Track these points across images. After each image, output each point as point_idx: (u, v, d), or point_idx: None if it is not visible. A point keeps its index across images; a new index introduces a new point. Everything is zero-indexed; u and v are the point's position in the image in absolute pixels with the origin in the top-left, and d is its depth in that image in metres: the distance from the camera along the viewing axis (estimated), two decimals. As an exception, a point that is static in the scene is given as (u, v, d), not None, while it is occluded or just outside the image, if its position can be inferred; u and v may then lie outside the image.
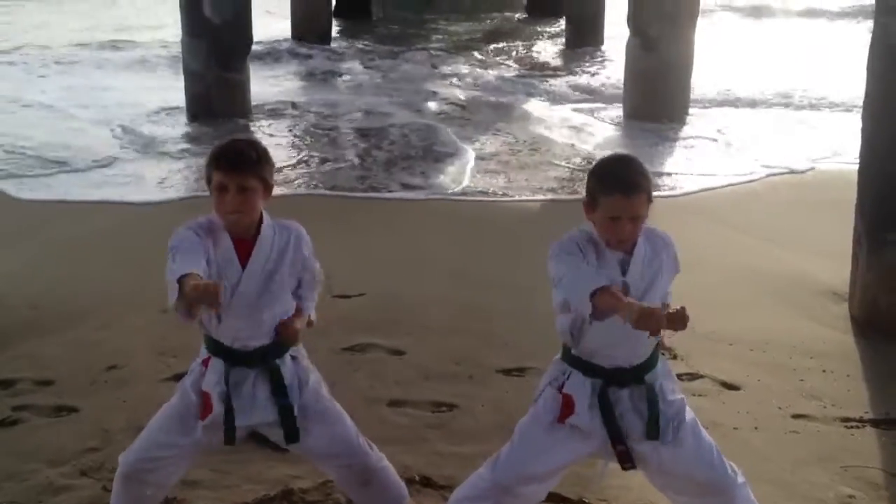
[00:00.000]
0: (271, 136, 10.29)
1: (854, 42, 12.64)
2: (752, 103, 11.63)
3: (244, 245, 2.94)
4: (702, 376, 4.67)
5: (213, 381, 2.98)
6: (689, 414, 2.98)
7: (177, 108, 11.04)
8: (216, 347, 3.01)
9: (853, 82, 10.92)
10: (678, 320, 2.54)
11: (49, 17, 19.40)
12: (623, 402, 2.92)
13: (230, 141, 3.02)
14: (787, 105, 11.50)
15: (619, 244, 2.87)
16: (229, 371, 2.98)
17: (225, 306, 2.84)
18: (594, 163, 3.07)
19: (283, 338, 2.98)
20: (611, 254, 2.87)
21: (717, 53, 13.45)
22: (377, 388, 4.52)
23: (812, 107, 11.47)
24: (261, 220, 2.97)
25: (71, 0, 21.70)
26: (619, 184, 2.83)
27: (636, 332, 2.63)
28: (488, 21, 21.10)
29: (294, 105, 12.03)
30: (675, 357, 4.78)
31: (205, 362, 3.03)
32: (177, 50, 11.55)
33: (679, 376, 4.48)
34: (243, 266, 2.93)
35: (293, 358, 3.06)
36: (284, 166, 8.88)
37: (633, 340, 2.83)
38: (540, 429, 2.97)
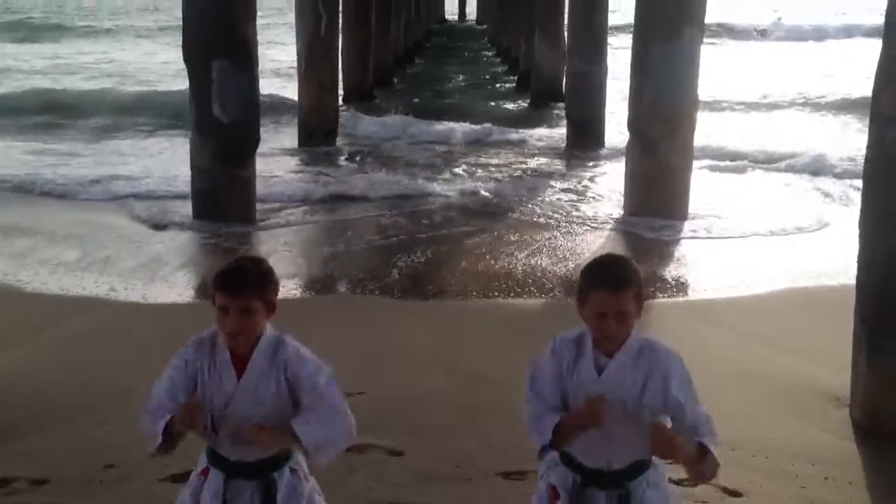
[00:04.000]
0: (273, 229, 10.53)
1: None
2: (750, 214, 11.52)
3: (241, 361, 2.98)
4: (703, 482, 4.63)
5: (210, 495, 2.98)
6: None
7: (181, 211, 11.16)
8: (215, 458, 3.02)
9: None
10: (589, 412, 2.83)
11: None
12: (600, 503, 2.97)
13: (234, 262, 3.03)
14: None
15: (607, 341, 2.95)
16: (227, 483, 2.99)
17: (218, 423, 2.93)
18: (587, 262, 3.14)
19: (248, 439, 2.91)
20: (590, 358, 2.97)
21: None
22: (376, 491, 4.50)
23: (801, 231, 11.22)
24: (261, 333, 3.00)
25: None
26: (604, 281, 2.92)
27: (611, 436, 2.85)
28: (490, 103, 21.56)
29: (299, 199, 12.22)
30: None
31: (203, 472, 3.03)
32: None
33: (680, 482, 4.46)
34: (239, 379, 2.96)
35: (292, 470, 3.06)
36: (286, 265, 8.96)
37: (609, 444, 2.93)
38: None
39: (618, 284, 2.90)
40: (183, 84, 11.70)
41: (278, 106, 19.00)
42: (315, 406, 2.95)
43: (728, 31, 41.27)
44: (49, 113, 19.58)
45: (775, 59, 32.89)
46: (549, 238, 10.34)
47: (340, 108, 17.97)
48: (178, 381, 2.97)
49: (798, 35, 43.12)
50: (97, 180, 13.10)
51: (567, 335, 3.05)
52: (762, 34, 43.63)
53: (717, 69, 21.87)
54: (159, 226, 10.71)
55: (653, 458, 3.02)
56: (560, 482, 3.02)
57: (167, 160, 14.66)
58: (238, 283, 2.91)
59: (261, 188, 11.39)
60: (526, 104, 22.55)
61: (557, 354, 3.00)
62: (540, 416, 2.97)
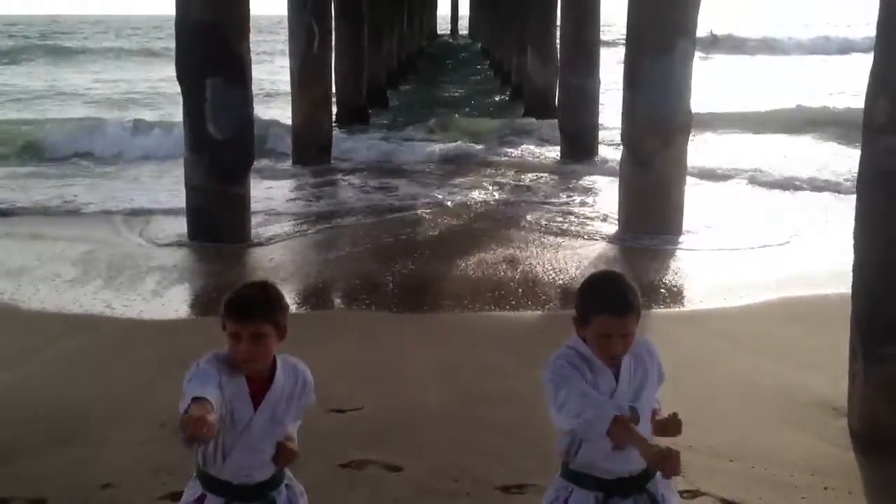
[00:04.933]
0: (268, 245, 10.54)
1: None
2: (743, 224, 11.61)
3: (257, 384, 2.97)
4: (703, 493, 4.62)
5: None
6: None
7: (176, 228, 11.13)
8: (214, 483, 2.99)
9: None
10: (672, 427, 2.87)
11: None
12: None
13: (242, 288, 3.01)
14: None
15: (611, 360, 2.95)
16: None
17: (230, 445, 2.91)
18: (584, 279, 3.12)
19: (282, 459, 2.97)
20: (602, 368, 2.95)
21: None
22: (375, 507, 4.48)
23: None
24: (274, 361, 3.00)
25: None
26: (610, 304, 2.91)
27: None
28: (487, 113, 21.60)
29: (294, 215, 12.24)
30: (675, 473, 4.74)
31: (199, 499, 3.00)
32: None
33: (679, 493, 4.45)
34: (255, 405, 2.95)
35: (287, 486, 3.07)
36: (281, 281, 8.95)
37: (628, 451, 2.87)
38: None
39: (624, 308, 2.90)
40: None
41: (270, 124, 19.06)
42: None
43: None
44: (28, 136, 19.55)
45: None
46: (545, 251, 10.35)
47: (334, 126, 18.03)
48: (213, 374, 2.86)
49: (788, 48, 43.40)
50: (90, 200, 13.14)
51: (567, 350, 2.98)
52: (713, 43, 43.67)
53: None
54: (154, 243, 10.70)
55: None
56: None
57: (161, 179, 14.69)
58: (248, 309, 2.90)
59: (255, 205, 11.40)
60: (519, 118, 22.60)
61: (575, 363, 2.93)
62: (586, 394, 2.85)
